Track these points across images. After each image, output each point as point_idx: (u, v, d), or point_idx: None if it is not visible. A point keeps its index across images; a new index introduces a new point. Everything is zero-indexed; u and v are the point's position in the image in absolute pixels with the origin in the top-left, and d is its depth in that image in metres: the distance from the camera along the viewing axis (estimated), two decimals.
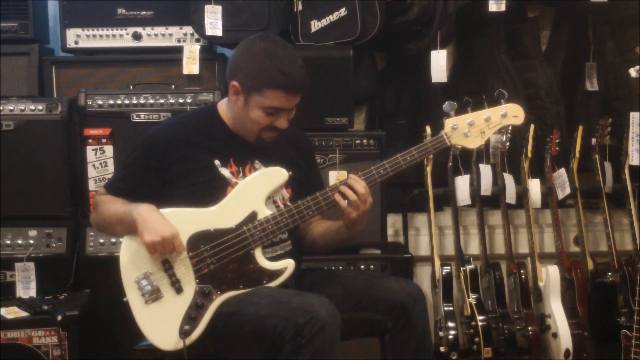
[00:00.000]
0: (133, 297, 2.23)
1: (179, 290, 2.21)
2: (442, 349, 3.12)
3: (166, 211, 2.24)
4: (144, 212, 2.21)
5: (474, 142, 2.30)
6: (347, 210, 2.24)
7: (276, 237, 2.27)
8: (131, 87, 3.23)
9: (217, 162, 2.30)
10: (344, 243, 2.43)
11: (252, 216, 2.23)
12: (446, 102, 2.35)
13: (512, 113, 2.30)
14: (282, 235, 2.30)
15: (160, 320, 2.20)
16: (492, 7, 3.30)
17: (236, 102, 2.28)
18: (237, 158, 2.32)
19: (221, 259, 2.21)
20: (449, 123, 2.29)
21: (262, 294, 2.17)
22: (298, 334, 1.99)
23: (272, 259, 2.26)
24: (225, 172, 2.30)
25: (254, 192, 2.26)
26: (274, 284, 2.22)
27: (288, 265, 2.24)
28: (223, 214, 2.24)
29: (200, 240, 2.22)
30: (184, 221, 2.23)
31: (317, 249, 2.49)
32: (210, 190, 2.27)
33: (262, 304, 2.11)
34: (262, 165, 2.34)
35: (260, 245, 2.23)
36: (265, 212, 2.24)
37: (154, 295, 2.21)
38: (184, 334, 2.15)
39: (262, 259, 2.23)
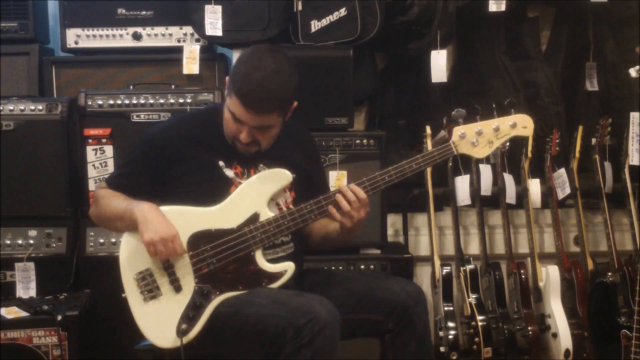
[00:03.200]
0: (132, 294, 2.23)
1: (177, 289, 2.21)
2: (442, 349, 3.11)
3: (167, 209, 2.24)
4: (145, 210, 2.20)
5: (481, 152, 2.25)
6: (341, 221, 2.23)
7: (277, 239, 2.26)
8: (131, 87, 3.23)
9: (221, 163, 2.29)
10: (343, 243, 2.43)
11: (254, 217, 2.22)
12: (455, 110, 2.29)
13: (521, 124, 2.25)
14: (285, 237, 2.29)
15: (158, 318, 2.20)
16: (492, 7, 3.30)
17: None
18: (241, 160, 2.31)
19: (221, 260, 2.21)
20: (456, 131, 2.24)
21: (263, 294, 2.16)
22: (298, 334, 1.99)
23: (273, 260, 2.25)
24: (229, 172, 2.29)
25: (257, 193, 2.24)
26: (273, 286, 2.22)
27: (288, 267, 2.23)
28: (225, 215, 2.23)
29: (200, 239, 2.22)
30: (185, 220, 2.22)
31: (320, 248, 2.48)
32: (213, 189, 2.26)
33: (263, 304, 2.10)
34: (267, 168, 2.32)
35: (261, 247, 2.22)
36: (267, 213, 2.23)
37: (152, 293, 2.21)
38: (181, 332, 2.15)
39: (262, 261, 2.22)
